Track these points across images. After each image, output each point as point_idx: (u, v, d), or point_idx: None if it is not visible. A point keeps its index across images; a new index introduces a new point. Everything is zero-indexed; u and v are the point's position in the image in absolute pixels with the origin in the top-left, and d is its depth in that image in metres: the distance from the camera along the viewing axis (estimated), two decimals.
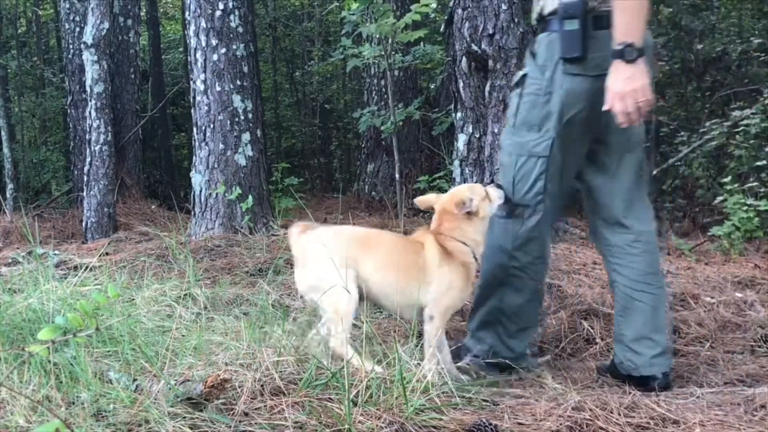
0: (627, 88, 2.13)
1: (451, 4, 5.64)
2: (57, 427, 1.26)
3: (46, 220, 7.38)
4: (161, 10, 13.01)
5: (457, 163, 5.41)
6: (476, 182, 5.32)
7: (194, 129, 5.45)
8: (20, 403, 1.71)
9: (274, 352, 2.11)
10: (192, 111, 5.47)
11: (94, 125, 6.21)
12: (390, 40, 5.21)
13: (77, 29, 7.96)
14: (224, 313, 2.80)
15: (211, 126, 5.29)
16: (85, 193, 6.36)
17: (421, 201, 2.53)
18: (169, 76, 12.14)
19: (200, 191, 5.33)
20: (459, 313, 3.51)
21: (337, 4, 10.12)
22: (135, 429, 1.70)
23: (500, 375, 2.47)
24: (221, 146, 5.28)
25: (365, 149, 8.29)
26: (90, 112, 6.25)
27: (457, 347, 2.61)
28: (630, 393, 2.16)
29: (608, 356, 3.00)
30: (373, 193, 7.98)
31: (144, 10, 10.50)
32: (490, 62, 5.26)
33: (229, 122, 5.29)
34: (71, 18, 8.13)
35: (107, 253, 4.68)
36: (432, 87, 8.31)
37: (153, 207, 7.78)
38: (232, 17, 5.30)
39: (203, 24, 5.27)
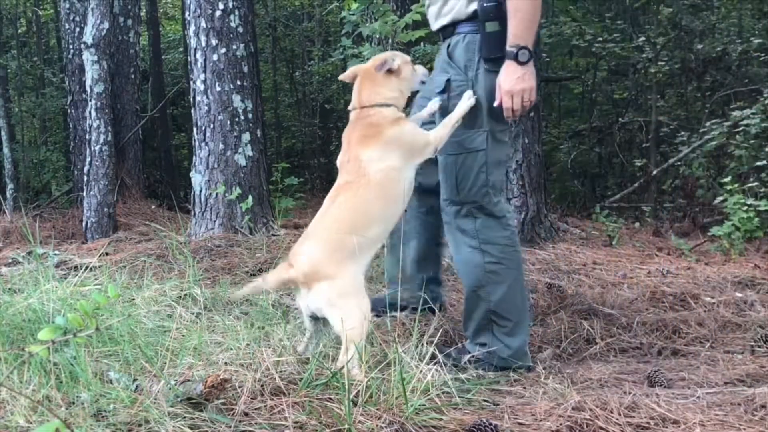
0: (517, 87, 2.31)
1: None
2: (57, 427, 1.26)
3: (46, 220, 7.38)
4: (161, 10, 13.01)
5: None
6: None
7: (194, 129, 5.45)
8: (20, 403, 1.71)
9: (274, 352, 2.11)
10: (192, 111, 5.47)
11: (94, 125, 6.21)
12: (390, 40, 5.21)
13: (77, 29, 7.95)
14: (224, 313, 2.80)
15: (211, 126, 5.29)
16: (85, 193, 6.36)
17: (345, 75, 2.56)
18: (169, 76, 12.13)
19: (200, 191, 5.33)
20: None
21: (337, 4, 10.11)
22: (135, 429, 1.70)
23: (502, 373, 2.47)
24: (221, 146, 5.28)
25: None
26: (90, 112, 6.25)
27: (457, 350, 2.61)
28: (630, 393, 2.16)
29: (608, 356, 3.00)
30: None
31: (144, 10, 10.50)
32: None
33: (229, 122, 5.29)
34: (71, 18, 8.12)
35: (107, 253, 4.68)
36: None
37: (153, 207, 7.77)
38: (232, 17, 5.30)
39: (203, 24, 5.26)
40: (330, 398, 1.88)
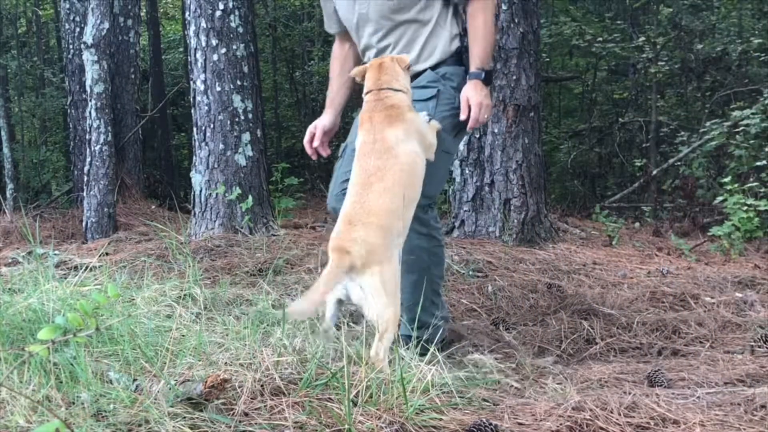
0: (485, 102, 2.61)
1: None
2: (57, 427, 1.26)
3: (46, 220, 7.38)
4: (161, 10, 13.01)
5: (457, 163, 5.41)
6: (477, 183, 5.33)
7: (194, 129, 5.45)
8: (20, 403, 1.71)
9: (274, 352, 2.11)
10: (192, 111, 5.48)
11: (94, 125, 6.21)
12: None
13: (77, 29, 7.96)
14: (224, 313, 2.80)
15: (211, 126, 5.30)
16: (85, 193, 6.36)
17: (356, 72, 2.63)
18: (169, 76, 12.14)
19: (200, 191, 5.33)
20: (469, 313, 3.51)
21: None
22: (135, 429, 1.70)
23: (502, 373, 2.47)
24: (221, 146, 5.28)
25: None
26: (90, 112, 6.26)
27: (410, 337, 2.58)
28: (630, 393, 2.16)
29: (608, 356, 3.00)
30: None
31: (144, 10, 10.50)
32: None
33: (229, 122, 5.29)
34: (71, 18, 8.13)
35: (107, 253, 4.68)
36: None
37: (153, 207, 7.78)
38: (232, 17, 5.30)
39: (203, 24, 5.27)
40: (330, 398, 1.88)
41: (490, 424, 1.79)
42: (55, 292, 2.53)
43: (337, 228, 2.35)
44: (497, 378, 2.40)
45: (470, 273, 4.10)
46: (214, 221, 5.23)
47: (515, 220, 5.18)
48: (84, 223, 6.26)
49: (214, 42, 5.27)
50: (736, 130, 6.81)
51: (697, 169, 7.33)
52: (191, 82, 5.44)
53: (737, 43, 8.64)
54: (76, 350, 2.00)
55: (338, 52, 2.95)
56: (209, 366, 2.06)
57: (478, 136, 5.38)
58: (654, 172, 8.27)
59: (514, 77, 5.24)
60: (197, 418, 1.75)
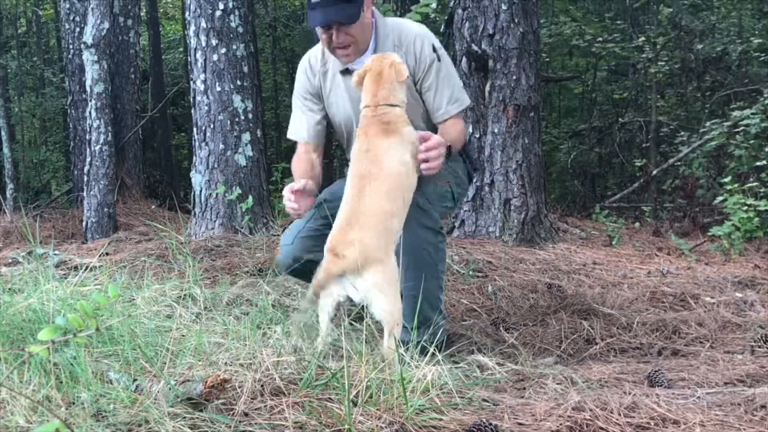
0: (440, 149, 2.57)
1: (451, 4, 5.65)
2: (57, 427, 1.26)
3: (46, 220, 7.38)
4: (161, 10, 13.01)
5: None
6: (477, 183, 5.33)
7: (194, 129, 5.45)
8: (20, 403, 1.71)
9: (274, 352, 2.11)
10: (192, 111, 5.47)
11: (94, 125, 6.21)
12: None
13: (77, 29, 7.95)
14: (224, 313, 2.80)
15: (211, 126, 5.30)
16: (85, 193, 6.36)
17: (357, 80, 2.62)
18: (169, 76, 12.14)
19: (200, 191, 5.33)
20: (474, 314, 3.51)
21: None
22: (135, 429, 1.70)
23: (502, 374, 2.47)
24: (221, 146, 5.28)
25: None
26: (90, 112, 6.25)
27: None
28: (630, 393, 2.16)
29: (608, 356, 3.00)
30: None
31: (144, 10, 10.50)
32: (490, 62, 5.26)
33: (229, 122, 5.29)
34: (71, 18, 8.12)
35: (107, 253, 4.68)
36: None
37: (153, 207, 7.77)
38: (232, 17, 5.30)
39: (203, 24, 5.27)
40: (330, 398, 1.88)
41: (490, 424, 1.79)
42: (55, 292, 2.53)
43: (334, 230, 2.37)
44: (497, 378, 2.39)
45: (470, 273, 4.10)
46: (214, 221, 5.23)
47: (515, 220, 5.18)
48: (84, 223, 6.26)
49: (214, 42, 5.27)
50: (736, 130, 6.81)
51: (697, 169, 7.33)
52: (191, 82, 5.44)
53: (737, 43, 8.64)
54: (76, 350, 2.00)
55: (304, 156, 2.90)
56: (209, 366, 2.06)
57: (478, 136, 5.38)
58: (654, 172, 8.27)
59: (514, 77, 5.24)
60: (197, 418, 1.75)
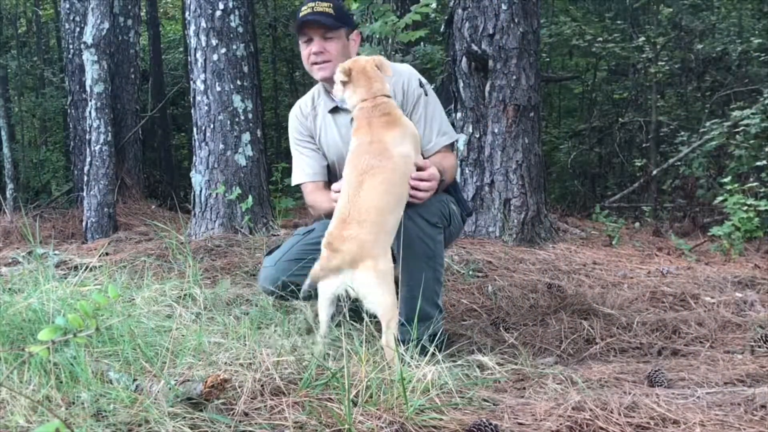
0: (433, 181, 2.62)
1: (451, 4, 5.65)
2: (57, 427, 1.26)
3: (46, 220, 7.38)
4: (161, 10, 13.01)
5: (456, 163, 5.41)
6: (477, 183, 5.33)
7: (194, 129, 5.45)
8: (20, 403, 1.71)
9: (274, 352, 2.11)
10: (192, 111, 5.47)
11: (94, 125, 6.21)
12: (390, 40, 5.21)
13: (77, 29, 7.95)
14: (224, 313, 2.80)
15: (211, 126, 5.30)
16: (85, 193, 6.36)
17: (342, 71, 2.64)
18: (169, 76, 12.14)
19: (200, 191, 5.33)
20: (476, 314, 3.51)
21: (339, 1, 10.10)
22: (135, 429, 1.70)
23: (502, 374, 2.47)
24: (221, 146, 5.28)
25: None
26: (90, 112, 6.26)
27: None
28: (630, 393, 2.16)
29: (608, 356, 3.00)
30: None
31: (144, 10, 10.50)
32: (490, 62, 5.26)
33: (229, 122, 5.29)
34: (71, 18, 8.13)
35: (107, 253, 4.68)
36: (432, 87, 8.30)
37: (153, 207, 7.78)
38: (232, 17, 5.30)
39: (203, 24, 5.27)
40: (330, 398, 1.88)
41: (490, 424, 1.79)
42: (55, 292, 2.53)
43: (330, 227, 2.38)
44: (497, 378, 2.40)
45: (470, 273, 4.10)
46: (214, 221, 5.23)
47: (515, 220, 5.18)
48: (84, 223, 6.26)
49: (214, 42, 5.27)
50: (736, 130, 6.81)
51: (697, 169, 7.33)
52: (191, 82, 5.44)
53: (737, 43, 8.64)
54: (76, 350, 2.00)
55: (320, 191, 2.92)
56: (209, 366, 2.06)
57: (478, 136, 5.38)
58: (654, 172, 8.27)
59: (514, 77, 5.24)
60: (197, 418, 1.75)
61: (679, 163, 7.87)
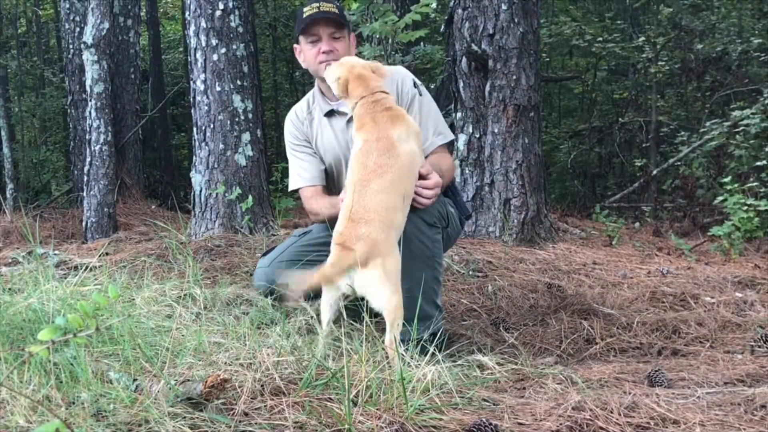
0: (436, 189, 2.63)
1: (451, 4, 5.65)
2: (57, 427, 1.26)
3: (46, 220, 7.38)
4: (161, 10, 13.01)
5: (457, 163, 5.41)
6: (477, 183, 5.33)
7: (194, 129, 5.45)
8: (20, 403, 1.71)
9: (274, 352, 2.11)
10: (192, 111, 5.47)
11: (94, 125, 6.21)
12: (390, 40, 5.21)
13: (77, 29, 7.96)
14: (224, 313, 2.80)
15: (211, 126, 5.30)
16: (85, 193, 6.36)
17: (337, 87, 2.66)
18: (169, 76, 12.14)
19: (200, 191, 5.33)
20: (475, 315, 3.51)
21: (338, 3, 10.10)
22: (135, 429, 1.70)
23: (502, 374, 2.47)
24: (221, 146, 5.28)
25: None
26: (90, 112, 6.26)
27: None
28: (630, 393, 2.16)
29: (608, 356, 3.00)
30: None
31: (144, 10, 10.50)
32: (490, 62, 5.26)
33: (229, 122, 5.29)
34: (71, 18, 8.13)
35: (107, 253, 4.68)
36: (432, 87, 8.32)
37: (153, 207, 7.78)
38: (232, 17, 5.30)
39: (203, 24, 5.27)
40: (330, 398, 1.88)
41: (490, 424, 1.79)
42: (55, 292, 2.53)
43: (339, 226, 2.38)
44: (497, 378, 2.40)
45: (470, 273, 4.10)
46: (214, 221, 5.23)
47: (515, 220, 5.18)
48: (84, 223, 6.26)
49: (214, 42, 5.27)
50: (736, 130, 6.81)
51: (697, 169, 7.33)
52: (191, 82, 5.44)
53: (737, 43, 8.63)
54: (76, 350, 2.00)
55: (318, 195, 2.93)
56: (209, 366, 2.06)
57: (478, 136, 5.38)
58: (654, 172, 8.27)
59: (514, 77, 5.24)
60: (197, 418, 1.75)
61: (679, 163, 7.87)
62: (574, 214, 7.45)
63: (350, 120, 2.71)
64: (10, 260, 4.64)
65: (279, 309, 2.85)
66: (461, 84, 5.46)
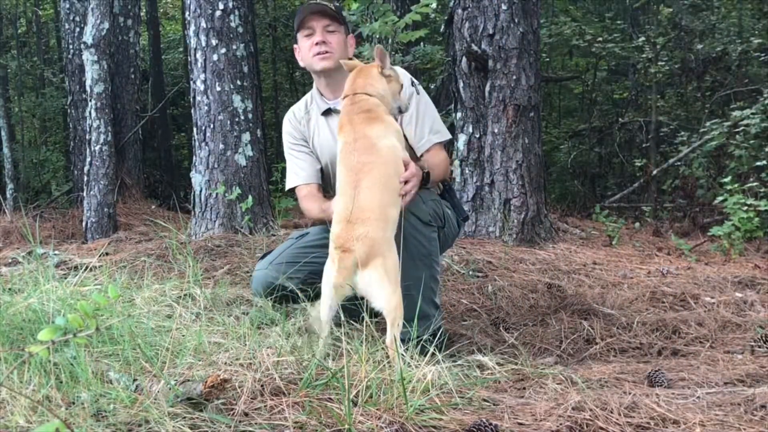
0: (415, 178, 2.58)
1: (451, 4, 5.65)
2: (57, 427, 1.26)
3: (46, 220, 7.38)
4: (161, 10, 13.01)
5: (457, 163, 5.42)
6: (477, 183, 5.33)
7: (194, 129, 5.45)
8: (20, 403, 1.71)
9: (274, 352, 2.11)
10: (192, 111, 5.47)
11: (94, 125, 6.21)
12: (390, 40, 5.21)
13: (77, 29, 7.96)
14: (224, 313, 2.80)
15: (211, 126, 5.30)
16: (85, 193, 6.36)
17: (347, 63, 2.69)
18: (169, 76, 12.14)
19: (200, 191, 5.33)
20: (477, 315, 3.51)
21: (337, 4, 10.11)
22: (135, 429, 1.70)
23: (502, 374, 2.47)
24: (221, 146, 5.28)
25: None
26: (90, 112, 6.25)
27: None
28: (630, 393, 2.16)
29: (608, 356, 3.00)
30: None
31: (144, 10, 10.50)
32: (490, 62, 5.26)
33: (229, 122, 5.29)
34: (71, 18, 8.13)
35: (107, 253, 4.68)
36: (432, 87, 8.32)
37: (153, 207, 7.78)
38: (232, 17, 5.30)
39: (203, 24, 5.27)
40: (330, 398, 1.88)
41: (490, 424, 1.79)
42: (55, 292, 2.53)
43: (335, 228, 2.38)
44: (497, 378, 2.40)
45: (470, 273, 4.10)
46: (214, 221, 5.23)
47: (515, 220, 5.17)
48: (84, 223, 6.26)
49: (214, 42, 5.27)
50: (736, 130, 6.81)
51: (697, 169, 7.33)
52: (191, 82, 5.44)
53: (737, 43, 8.63)
54: (76, 350, 2.00)
55: (314, 196, 2.93)
56: (209, 366, 2.06)
57: (478, 136, 5.38)
58: (654, 172, 8.26)
59: (514, 77, 5.24)
60: (197, 418, 1.75)
61: (679, 163, 7.86)
62: (574, 214, 7.45)
63: None
64: (10, 260, 4.64)
65: (279, 309, 2.85)
66: (461, 84, 5.46)
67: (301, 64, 2.97)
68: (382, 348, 2.25)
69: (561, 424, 1.84)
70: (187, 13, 5.44)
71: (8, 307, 2.38)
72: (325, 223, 2.81)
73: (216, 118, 5.28)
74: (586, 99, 11.35)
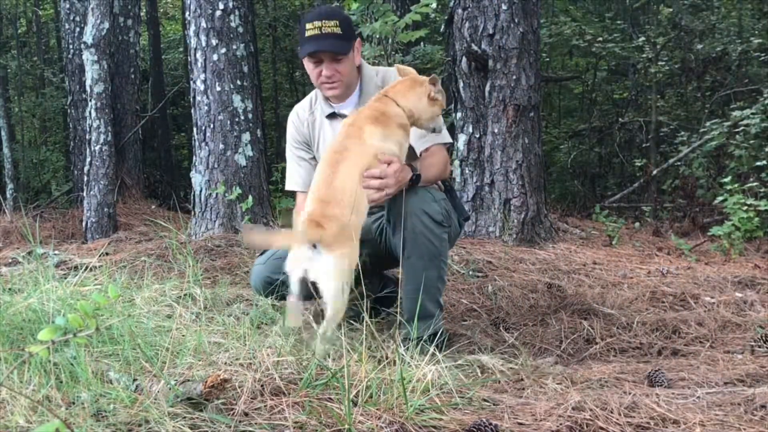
0: (392, 179, 2.53)
1: (451, 4, 5.65)
2: (57, 427, 1.26)
3: (46, 220, 7.38)
4: (161, 10, 13.01)
5: (457, 163, 5.42)
6: (477, 183, 5.33)
7: (194, 129, 5.45)
8: (20, 403, 1.71)
9: (274, 352, 2.11)
10: (192, 111, 5.48)
11: (94, 125, 6.21)
12: (390, 40, 5.21)
13: (77, 29, 7.96)
14: (224, 313, 2.80)
15: (211, 126, 5.30)
16: (85, 193, 6.36)
17: (401, 68, 2.68)
18: (169, 76, 12.14)
19: (200, 191, 5.33)
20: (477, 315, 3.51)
21: (337, 4, 10.11)
22: (135, 429, 1.70)
23: (502, 373, 2.47)
24: (221, 146, 5.28)
25: None
26: (90, 112, 6.26)
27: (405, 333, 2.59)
28: (630, 393, 2.16)
29: (608, 356, 3.00)
30: None
31: (144, 10, 10.50)
32: (490, 62, 5.26)
33: (229, 122, 5.29)
34: (71, 18, 8.13)
35: (107, 253, 4.68)
36: None
37: (153, 207, 7.78)
38: (232, 17, 5.30)
39: (203, 24, 5.27)
40: (330, 398, 1.88)
41: (490, 424, 1.79)
42: (55, 292, 2.53)
43: (310, 206, 2.38)
44: (497, 378, 2.40)
45: (470, 273, 4.10)
46: (214, 221, 5.23)
47: (515, 220, 5.18)
48: (84, 223, 6.26)
49: (214, 42, 5.27)
50: (736, 130, 6.81)
51: (697, 169, 7.33)
52: (191, 82, 5.45)
53: (737, 43, 8.63)
54: (76, 350, 2.00)
55: (304, 197, 2.88)
56: (209, 366, 2.06)
57: (478, 136, 5.38)
58: (654, 172, 8.26)
59: (514, 77, 5.24)
60: (197, 418, 1.75)
61: (679, 163, 7.86)
62: (574, 214, 7.45)
63: None
64: (10, 260, 4.64)
65: (280, 309, 2.85)
66: (461, 84, 5.46)
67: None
68: (382, 348, 2.25)
69: (561, 424, 1.84)
70: (187, 13, 5.44)
71: (8, 307, 2.38)
72: None
73: (216, 118, 5.28)
74: (586, 99, 11.35)
